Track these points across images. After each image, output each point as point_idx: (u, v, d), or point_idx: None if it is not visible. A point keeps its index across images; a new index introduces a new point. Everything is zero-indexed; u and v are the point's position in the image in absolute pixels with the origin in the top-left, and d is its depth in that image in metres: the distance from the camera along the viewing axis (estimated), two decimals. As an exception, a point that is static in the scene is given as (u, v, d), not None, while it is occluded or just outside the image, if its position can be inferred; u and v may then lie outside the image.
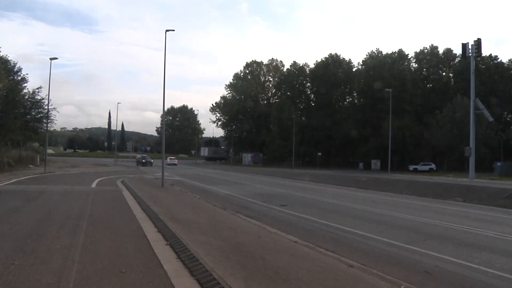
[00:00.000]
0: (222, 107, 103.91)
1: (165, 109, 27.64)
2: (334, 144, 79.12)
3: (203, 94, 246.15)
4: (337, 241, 10.65)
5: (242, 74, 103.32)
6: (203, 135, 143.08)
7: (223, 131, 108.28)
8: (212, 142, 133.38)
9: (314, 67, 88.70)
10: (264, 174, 49.03)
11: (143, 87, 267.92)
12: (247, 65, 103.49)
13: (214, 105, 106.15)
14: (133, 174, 39.36)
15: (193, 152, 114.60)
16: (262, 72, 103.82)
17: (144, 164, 61.88)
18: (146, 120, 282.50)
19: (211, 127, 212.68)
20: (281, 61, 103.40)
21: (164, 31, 24.65)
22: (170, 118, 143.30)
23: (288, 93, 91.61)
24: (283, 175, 47.09)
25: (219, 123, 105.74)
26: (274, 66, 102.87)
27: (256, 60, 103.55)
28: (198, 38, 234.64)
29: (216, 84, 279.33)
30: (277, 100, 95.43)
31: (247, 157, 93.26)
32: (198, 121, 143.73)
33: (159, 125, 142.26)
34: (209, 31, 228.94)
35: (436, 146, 61.87)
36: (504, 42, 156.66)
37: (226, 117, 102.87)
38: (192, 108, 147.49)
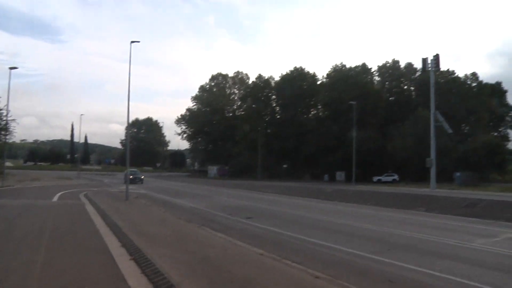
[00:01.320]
0: (187, 119, 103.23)
1: (130, 121, 27.31)
2: (300, 156, 79.78)
3: (168, 106, 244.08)
4: (304, 252, 10.73)
5: (208, 86, 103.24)
6: (168, 148, 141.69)
7: (189, 143, 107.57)
8: (177, 154, 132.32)
9: (279, 79, 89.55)
10: (230, 187, 48.86)
11: (108, 98, 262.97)
12: (213, 77, 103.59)
13: (180, 117, 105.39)
14: (97, 188, 38.57)
15: (158, 164, 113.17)
16: (227, 85, 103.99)
17: (133, 181, 50.00)
18: (111, 132, 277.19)
19: (176, 140, 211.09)
20: (246, 74, 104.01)
21: (130, 42, 24.53)
22: (135, 130, 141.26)
23: (254, 105, 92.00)
24: (249, 187, 47.04)
25: (185, 135, 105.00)
26: (239, 79, 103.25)
27: (221, 72, 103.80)
28: (165, 50, 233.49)
29: (182, 96, 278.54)
30: (242, 113, 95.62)
31: (212, 169, 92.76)
32: (163, 133, 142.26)
33: (123, 137, 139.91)
34: (175, 43, 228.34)
35: (399, 157, 63.32)
36: (460, 58, 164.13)
37: (192, 129, 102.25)
38: (157, 120, 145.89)
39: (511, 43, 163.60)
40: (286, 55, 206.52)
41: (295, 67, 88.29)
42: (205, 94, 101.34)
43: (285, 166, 76.65)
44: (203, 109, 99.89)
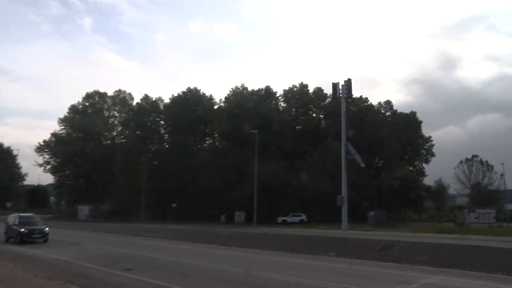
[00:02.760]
0: (53, 147, 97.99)
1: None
2: (192, 194, 79.05)
3: (27, 129, 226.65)
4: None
5: (81, 106, 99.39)
6: (25, 183, 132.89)
7: (53, 177, 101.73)
8: (37, 191, 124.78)
9: (170, 102, 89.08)
10: (106, 231, 47.07)
11: None
12: (88, 96, 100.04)
13: (42, 144, 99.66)
14: None
15: (8, 204, 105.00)
16: (106, 106, 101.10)
17: (27, 239, 31.49)
18: None
19: (36, 172, 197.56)
20: (130, 94, 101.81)
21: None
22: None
23: (138, 132, 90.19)
24: (130, 231, 45.69)
25: (48, 167, 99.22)
26: (121, 99, 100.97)
27: (99, 90, 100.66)
28: (23, 57, 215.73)
29: (46, 118, 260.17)
30: (123, 140, 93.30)
31: (84, 210, 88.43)
32: (18, 163, 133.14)
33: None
34: (38, 49, 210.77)
35: (307, 194, 65.38)
36: (374, 84, 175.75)
37: (58, 160, 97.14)
38: (10, 147, 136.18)
39: (425, 70, 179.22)
40: (178, 73, 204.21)
41: (189, 88, 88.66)
42: (77, 116, 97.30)
43: (174, 205, 75.49)
44: (74, 135, 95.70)
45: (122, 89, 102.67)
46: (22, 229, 31.57)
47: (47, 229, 33.26)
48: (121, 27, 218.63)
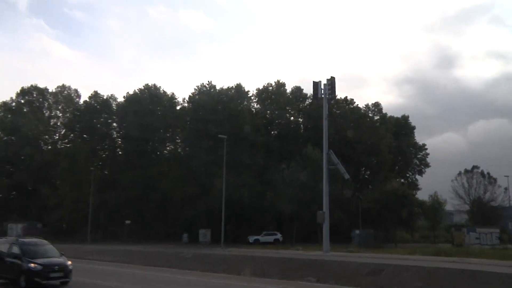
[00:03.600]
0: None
1: None
2: (150, 209, 78.47)
3: None
4: None
5: (14, 104, 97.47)
6: None
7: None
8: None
9: (124, 101, 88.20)
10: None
11: None
12: (23, 92, 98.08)
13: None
14: None
15: None
16: (46, 104, 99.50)
17: (38, 279, 21.57)
18: None
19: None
20: (75, 90, 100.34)
21: None
22: None
23: (85, 135, 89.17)
24: (74, 254, 44.76)
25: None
26: (65, 96, 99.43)
27: (37, 85, 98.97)
28: None
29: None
30: (68, 145, 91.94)
31: (15, 228, 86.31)
32: None
33: None
34: None
35: (283, 210, 65.44)
36: (361, 84, 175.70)
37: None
38: None
39: (419, 68, 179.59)
40: (134, 67, 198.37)
41: (147, 84, 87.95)
42: (10, 116, 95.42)
43: (128, 222, 74.74)
44: (5, 138, 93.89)
45: (67, 84, 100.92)
46: (32, 265, 21.75)
47: (70, 262, 23.24)
48: (66, 10, 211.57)
